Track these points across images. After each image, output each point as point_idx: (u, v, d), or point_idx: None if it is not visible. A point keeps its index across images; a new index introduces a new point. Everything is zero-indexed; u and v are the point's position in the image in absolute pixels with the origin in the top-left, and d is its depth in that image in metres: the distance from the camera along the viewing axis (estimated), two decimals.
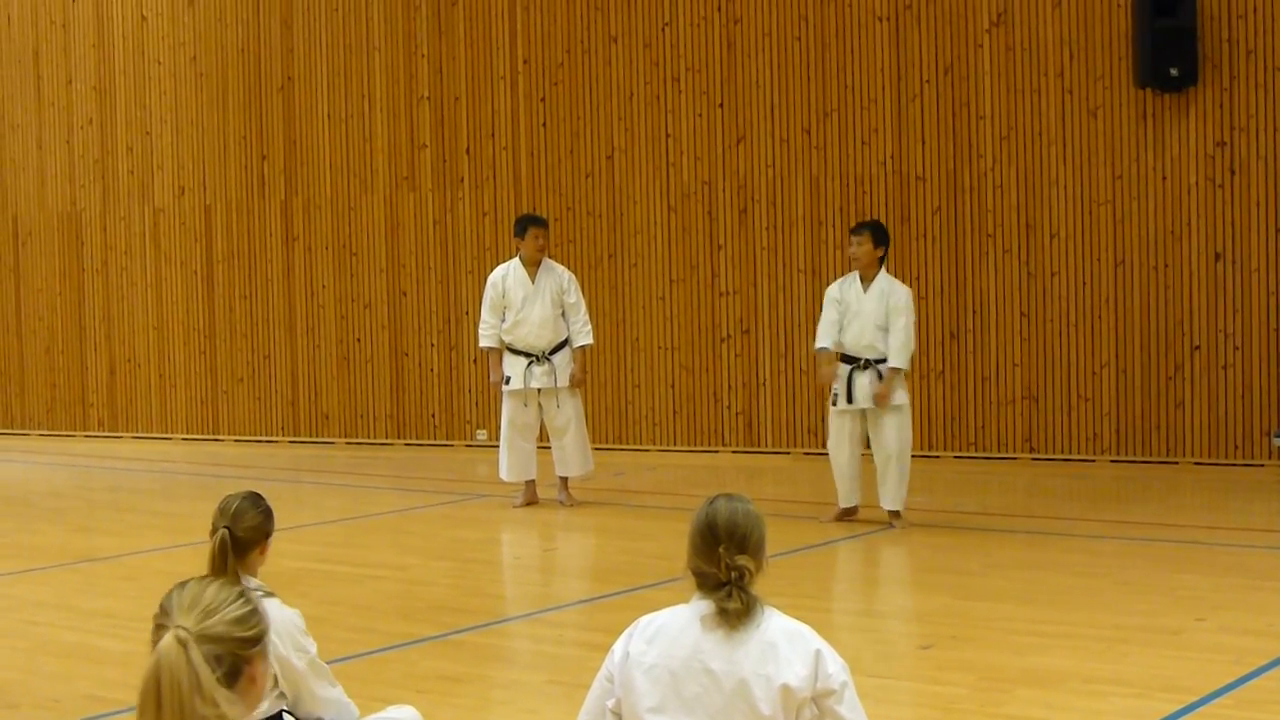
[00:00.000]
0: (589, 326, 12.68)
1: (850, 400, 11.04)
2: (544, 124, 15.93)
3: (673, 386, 15.46)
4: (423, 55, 16.51)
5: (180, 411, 18.06)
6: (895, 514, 11.10)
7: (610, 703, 4.31)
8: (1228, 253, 13.33)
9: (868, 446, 11.20)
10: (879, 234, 11.19)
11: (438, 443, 16.57)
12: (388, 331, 16.80)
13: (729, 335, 15.18)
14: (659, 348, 15.48)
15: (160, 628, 2.85)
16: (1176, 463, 13.53)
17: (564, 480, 12.68)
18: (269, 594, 5.36)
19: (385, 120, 16.71)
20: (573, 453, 12.60)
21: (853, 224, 14.27)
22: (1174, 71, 13.17)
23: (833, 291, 11.27)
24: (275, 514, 5.49)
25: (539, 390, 12.46)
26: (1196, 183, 13.41)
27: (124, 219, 18.27)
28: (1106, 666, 7.15)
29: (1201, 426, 13.47)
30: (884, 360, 11.00)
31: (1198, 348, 13.45)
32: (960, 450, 14.25)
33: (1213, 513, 11.83)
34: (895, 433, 10.99)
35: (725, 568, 4.15)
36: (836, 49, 14.66)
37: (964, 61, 14.17)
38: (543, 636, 8.54)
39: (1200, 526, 11.08)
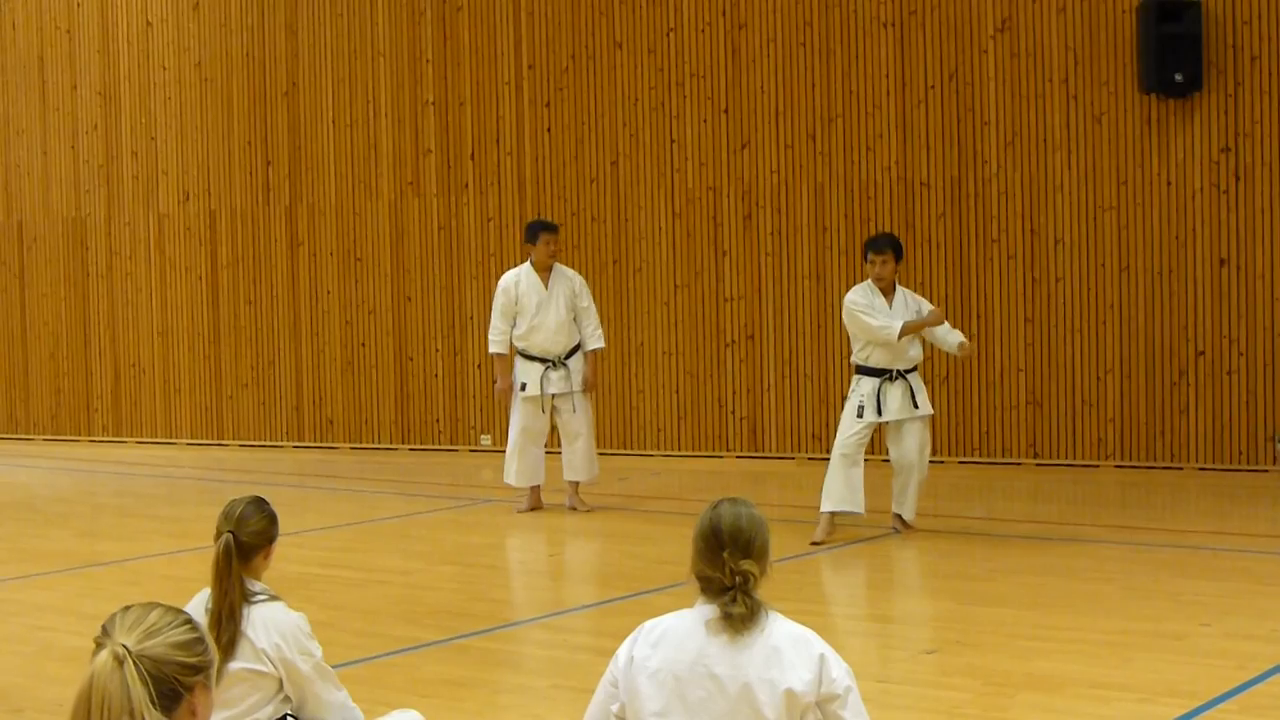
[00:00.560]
0: (600, 330, 12.67)
1: (880, 413, 10.93)
2: (548, 130, 15.94)
3: (677, 392, 15.46)
4: (427, 61, 16.52)
5: (185, 416, 18.07)
6: (900, 518, 11.09)
7: (615, 707, 4.31)
8: (1232, 258, 13.32)
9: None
10: (899, 249, 11.10)
11: (442, 448, 16.57)
12: (392, 337, 16.81)
13: (733, 341, 15.18)
14: (663, 353, 15.48)
15: (99, 646, 2.80)
16: (1181, 468, 13.52)
17: (574, 485, 12.67)
18: (274, 597, 5.36)
19: (390, 126, 16.72)
20: (582, 458, 12.59)
21: (858, 230, 14.38)
22: (1179, 77, 13.17)
23: (861, 301, 10.98)
24: (280, 519, 5.49)
25: (553, 395, 12.43)
26: (1201, 188, 13.40)
27: (129, 224, 18.29)
28: (1111, 671, 7.14)
29: (1206, 432, 13.47)
30: (914, 369, 10.96)
31: (1202, 353, 13.44)
32: (965, 455, 14.25)
33: (1217, 518, 11.82)
34: (917, 441, 10.93)
35: (729, 572, 4.15)
36: (841, 55, 14.66)
37: (968, 67, 14.18)
38: (547, 641, 8.54)
39: (1205, 532, 11.07)
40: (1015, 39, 13.99)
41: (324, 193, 17.11)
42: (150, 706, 2.72)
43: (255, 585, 5.33)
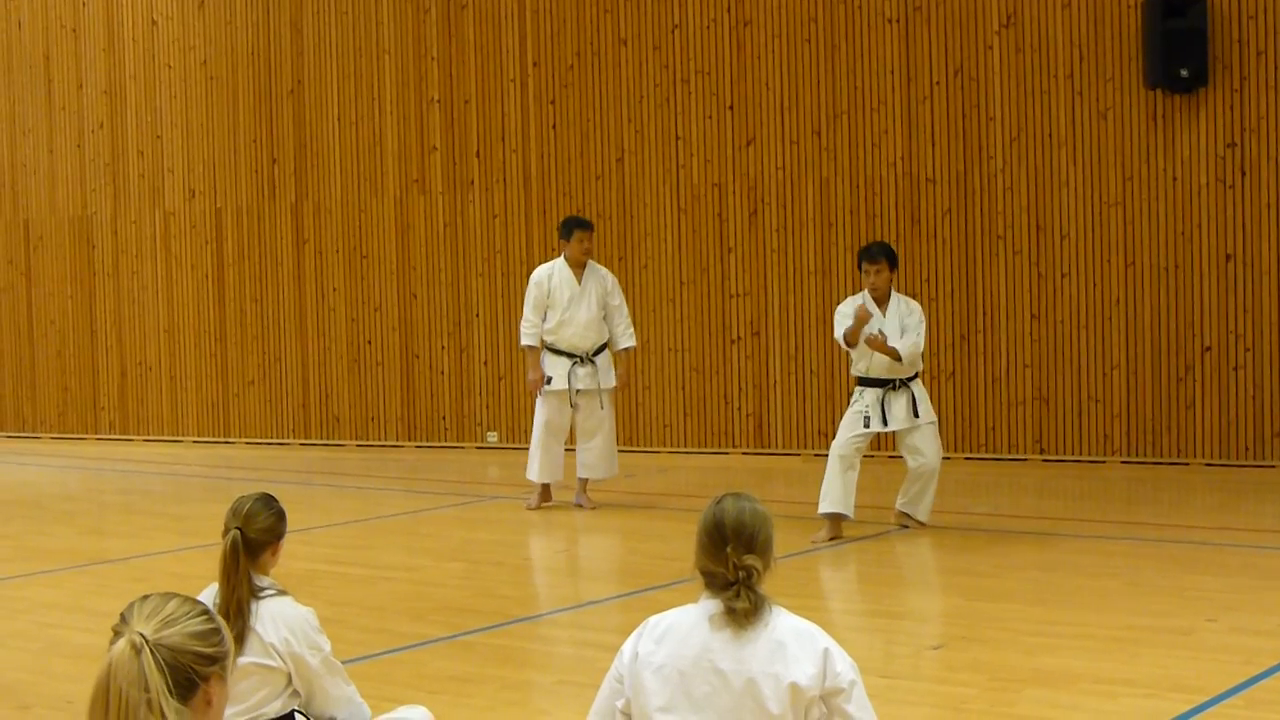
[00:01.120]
0: (632, 329, 12.69)
1: (885, 423, 10.92)
2: (554, 126, 15.94)
3: (683, 388, 15.47)
4: (432, 58, 16.53)
5: (191, 414, 18.09)
6: (906, 515, 11.09)
7: (620, 703, 4.32)
8: (1238, 254, 13.32)
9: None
10: (892, 258, 11.08)
11: (448, 445, 16.59)
12: (398, 334, 16.82)
13: (739, 337, 15.19)
14: (669, 350, 15.49)
15: (117, 634, 2.81)
16: (1187, 464, 13.52)
17: (583, 483, 12.68)
18: (282, 592, 5.37)
19: (395, 123, 16.74)
20: (601, 456, 12.59)
21: (864, 226, 14.39)
22: (1184, 72, 13.16)
23: (845, 308, 11.02)
24: (287, 516, 5.49)
25: (579, 391, 12.43)
26: (1207, 184, 13.40)
27: (135, 222, 18.31)
28: (1117, 667, 7.14)
29: (1212, 427, 13.47)
30: (913, 378, 10.95)
31: (1208, 349, 13.44)
32: (971, 451, 14.25)
33: (1223, 514, 11.82)
34: (934, 447, 10.94)
35: (733, 567, 4.15)
36: (846, 51, 14.66)
37: (974, 63, 14.18)
38: (553, 637, 8.55)
39: (1211, 527, 11.07)
40: (1020, 34, 13.99)
41: (329, 190, 17.12)
42: (167, 695, 2.73)
43: (263, 580, 5.34)
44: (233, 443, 17.78)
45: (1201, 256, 13.46)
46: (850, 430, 10.90)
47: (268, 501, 5.38)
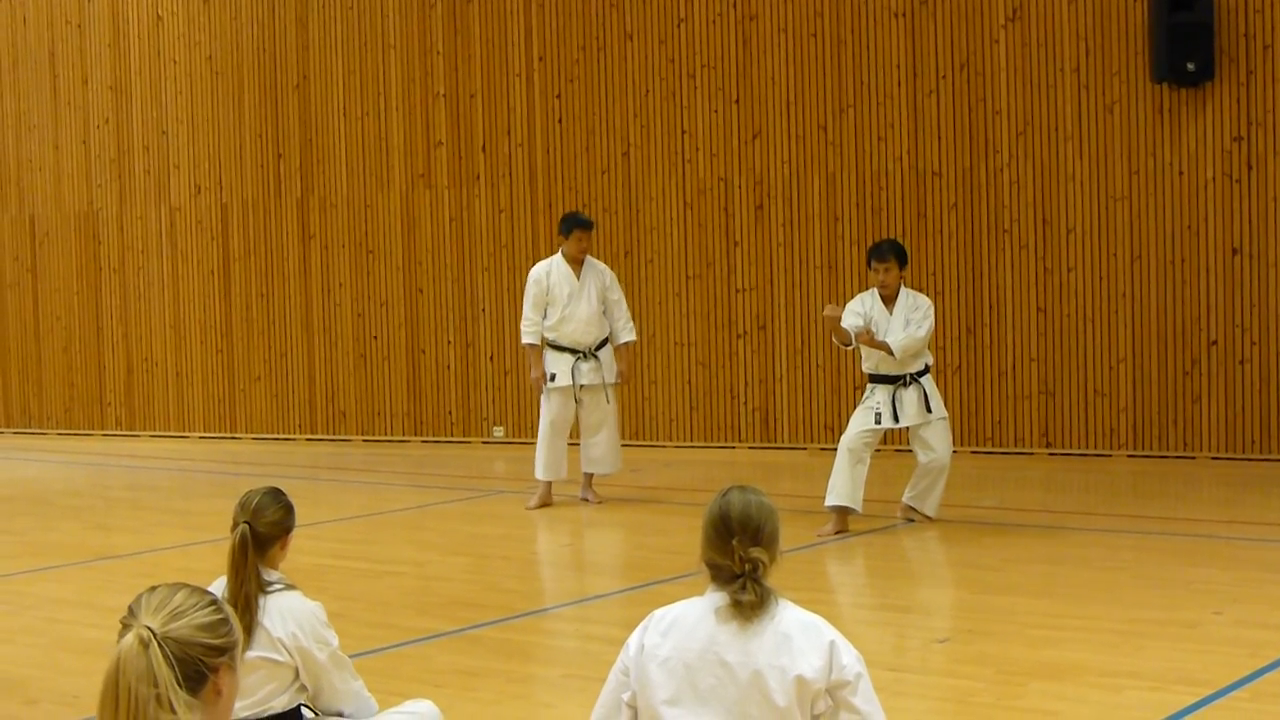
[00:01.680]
0: (631, 324, 12.68)
1: (897, 420, 10.92)
2: (559, 121, 15.94)
3: (689, 383, 15.47)
4: (438, 53, 16.53)
5: (197, 410, 18.10)
6: (913, 509, 11.09)
7: (626, 696, 4.32)
8: (1245, 247, 13.31)
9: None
10: (902, 256, 11.05)
11: (455, 440, 16.59)
12: (404, 329, 16.83)
13: (745, 331, 15.18)
14: (675, 344, 15.49)
15: (125, 627, 2.80)
16: (1194, 457, 13.51)
17: (589, 478, 12.68)
18: (290, 586, 5.37)
19: (401, 118, 16.74)
20: (606, 450, 12.59)
21: (870, 220, 14.39)
22: (1191, 66, 13.15)
23: (854, 305, 11.07)
24: (295, 509, 5.49)
25: (582, 387, 12.43)
26: (1213, 178, 13.39)
27: (141, 218, 18.32)
28: (1123, 660, 7.15)
29: (1218, 421, 13.46)
30: (924, 373, 10.94)
31: (1215, 342, 13.43)
32: (977, 445, 14.25)
33: (1230, 507, 11.82)
34: (946, 443, 10.94)
35: (739, 560, 4.15)
36: (852, 45, 14.66)
37: (980, 57, 14.17)
38: (559, 631, 8.56)
39: (1217, 521, 11.06)
40: (1026, 28, 13.97)
41: (335, 185, 17.12)
42: (176, 688, 2.73)
43: (271, 575, 5.35)
44: (239, 438, 17.79)
45: (1208, 250, 13.44)
46: (861, 425, 10.90)
47: (276, 495, 5.38)
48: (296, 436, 17.47)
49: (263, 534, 5.29)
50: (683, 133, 15.38)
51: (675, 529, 11.19)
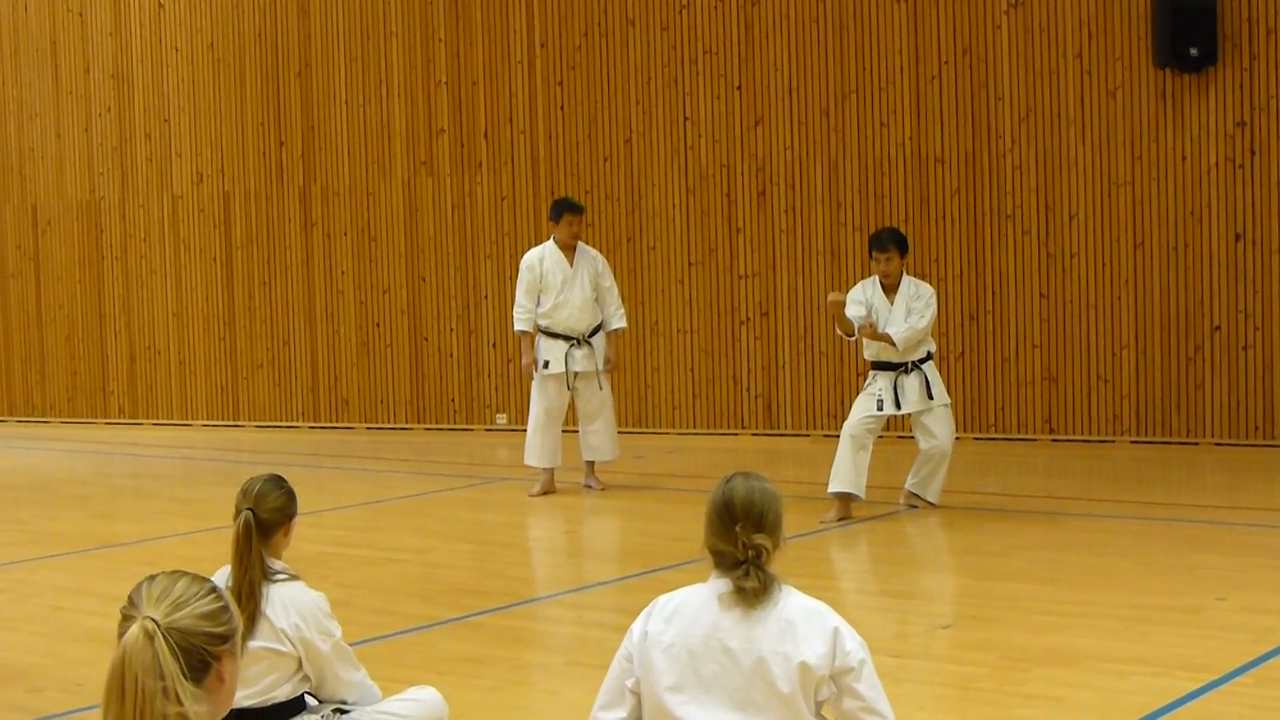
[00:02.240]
0: (622, 310, 12.67)
1: (899, 406, 10.90)
2: (562, 108, 15.93)
3: (692, 370, 15.47)
4: (440, 40, 16.52)
5: (200, 398, 18.11)
6: (916, 496, 11.09)
7: (629, 682, 4.32)
8: (1248, 233, 13.29)
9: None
10: (903, 244, 11.00)
11: (457, 427, 16.60)
12: (407, 317, 16.82)
13: (748, 318, 15.18)
14: (678, 331, 15.48)
15: (127, 619, 2.80)
16: (1197, 443, 13.51)
17: (590, 465, 12.68)
18: (294, 577, 5.37)
19: (403, 105, 16.73)
20: (605, 438, 12.59)
21: (872, 206, 14.38)
22: (1194, 51, 13.12)
23: (856, 294, 11.05)
24: (297, 496, 5.49)
25: (576, 374, 12.42)
26: (1216, 163, 13.37)
27: (143, 207, 18.31)
28: (1127, 646, 7.15)
29: (1222, 407, 13.45)
30: (926, 360, 10.93)
31: (1218, 328, 13.42)
32: (980, 431, 14.25)
33: (1233, 493, 11.81)
34: (948, 430, 10.93)
35: (742, 546, 4.15)
36: (855, 31, 14.64)
37: (982, 43, 14.15)
38: (562, 618, 8.56)
39: (1220, 506, 11.06)
40: (1029, 14, 13.95)
41: (337, 173, 17.12)
42: (183, 679, 2.73)
43: (276, 564, 5.35)
44: (242, 426, 17.80)
45: (1211, 236, 13.43)
46: (863, 411, 10.89)
47: (278, 482, 5.39)
48: (299, 424, 17.48)
49: (266, 520, 5.29)
50: (685, 119, 15.37)
51: (678, 516, 11.19)
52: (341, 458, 15.48)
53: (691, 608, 4.23)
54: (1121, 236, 13.72)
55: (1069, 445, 13.92)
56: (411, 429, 16.83)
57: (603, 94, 15.73)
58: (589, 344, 12.41)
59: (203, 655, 2.82)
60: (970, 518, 10.84)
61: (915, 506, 11.09)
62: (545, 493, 12.51)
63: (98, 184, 18.60)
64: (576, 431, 12.68)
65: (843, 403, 13.96)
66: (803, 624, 4.13)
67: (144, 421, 18.46)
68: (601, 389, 12.49)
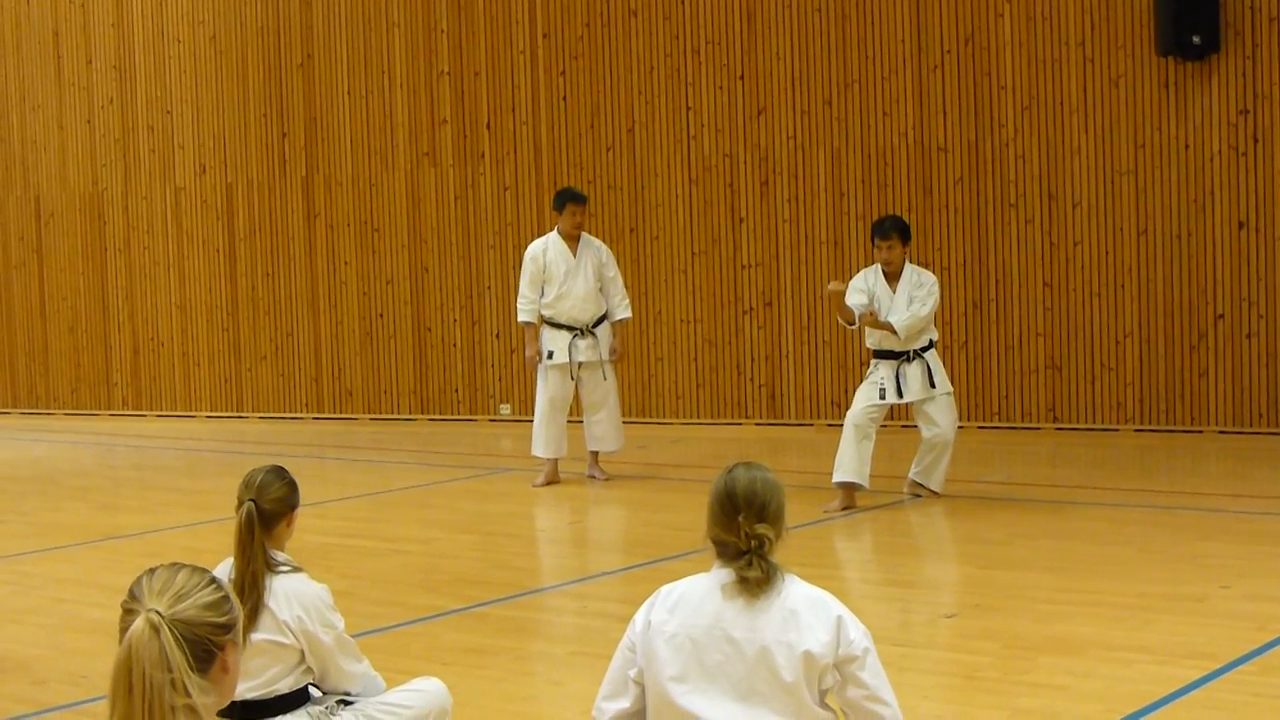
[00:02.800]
0: (627, 300, 12.66)
1: (901, 395, 10.88)
2: (564, 98, 15.92)
3: (695, 360, 15.46)
4: (442, 31, 16.50)
5: (204, 389, 18.11)
6: (920, 485, 11.10)
7: (633, 672, 4.31)
8: (1251, 221, 13.28)
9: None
10: (905, 232, 10.97)
11: (461, 418, 16.60)
12: (410, 307, 16.82)
13: (751, 308, 15.17)
14: (681, 321, 15.48)
15: (130, 613, 2.80)
16: (1201, 431, 13.50)
17: (595, 455, 12.68)
18: (297, 568, 5.36)
19: (405, 96, 16.72)
20: (609, 428, 12.59)
21: (875, 196, 14.37)
22: (1196, 39, 13.10)
23: (858, 282, 11.05)
24: (299, 487, 5.49)
25: (580, 364, 12.42)
26: (1219, 151, 13.35)
27: (146, 198, 18.31)
28: (1131, 634, 7.15)
29: (1225, 395, 13.44)
30: (928, 348, 10.90)
31: (1221, 316, 13.41)
32: (984, 420, 14.24)
33: (1237, 481, 11.80)
34: (950, 418, 10.92)
35: (745, 536, 4.14)
36: (857, 20, 14.62)
37: (985, 31, 14.13)
38: (567, 608, 8.56)
39: (1224, 495, 11.06)
40: (1031, 2, 13.92)
41: (340, 164, 17.11)
42: (189, 671, 2.74)
43: (279, 556, 5.34)
44: (245, 417, 17.80)
45: (1214, 224, 13.41)
46: (866, 400, 10.88)
47: (279, 473, 5.38)
48: (303, 415, 17.48)
49: (268, 511, 5.28)
50: (687, 109, 15.36)
51: (682, 506, 11.19)
52: (345, 449, 15.48)
53: (695, 597, 4.23)
54: (1125, 225, 13.71)
55: (1073, 434, 13.91)
56: (415, 420, 16.84)
57: (605, 84, 15.72)
58: (593, 334, 12.41)
59: (207, 646, 2.83)
60: (974, 506, 10.84)
61: (919, 496, 11.10)
62: (549, 483, 12.52)
63: (100, 175, 18.60)
64: (581, 422, 12.69)
65: (846, 392, 13.95)
66: (806, 613, 4.13)
67: (147, 413, 18.47)
68: (606, 379, 12.49)
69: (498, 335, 16.29)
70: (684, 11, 15.33)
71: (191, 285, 18.10)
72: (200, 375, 18.13)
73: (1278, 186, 13.17)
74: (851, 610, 4.21)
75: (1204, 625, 7.27)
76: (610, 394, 12.53)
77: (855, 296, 10.84)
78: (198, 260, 18.04)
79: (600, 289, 12.46)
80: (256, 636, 5.16)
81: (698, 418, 15.48)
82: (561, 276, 12.35)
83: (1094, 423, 13.89)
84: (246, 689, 5.14)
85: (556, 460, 12.59)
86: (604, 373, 12.47)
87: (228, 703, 2.94)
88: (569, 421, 12.65)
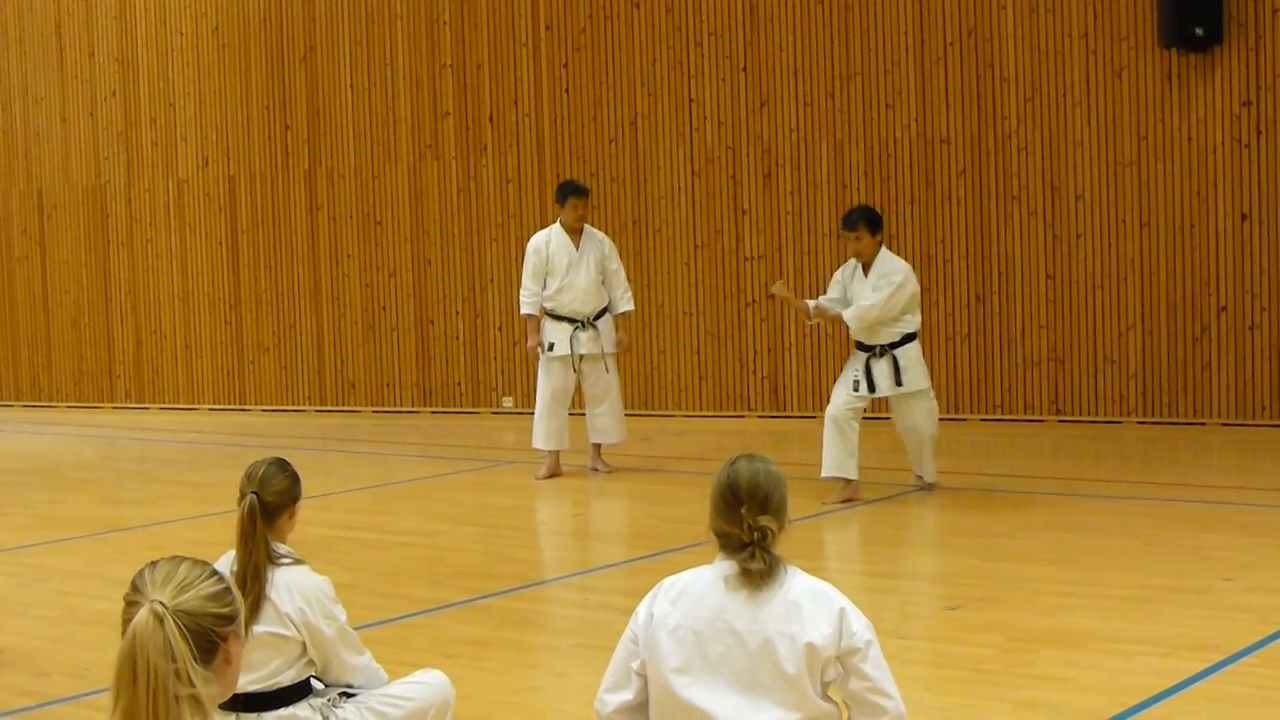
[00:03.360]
0: (629, 293, 12.66)
1: (872, 389, 10.84)
2: (567, 90, 15.91)
3: (698, 352, 15.46)
4: (444, 23, 16.49)
5: (207, 382, 18.12)
6: (921, 478, 11.10)
7: (635, 664, 4.31)
8: (1254, 213, 13.26)
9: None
10: (874, 222, 10.84)
11: (464, 410, 16.60)
12: (413, 300, 16.82)
13: (754, 300, 15.16)
14: (684, 313, 15.48)
15: (132, 604, 2.81)
16: (1203, 423, 13.49)
17: (597, 448, 12.68)
18: (299, 561, 5.36)
19: (408, 89, 16.71)
20: (611, 420, 12.59)
21: (879, 188, 14.36)
22: (1199, 31, 13.08)
23: (837, 275, 11.08)
24: (302, 481, 5.49)
25: (582, 356, 12.41)
26: (1222, 143, 13.34)
27: (148, 191, 18.31)
28: (1134, 626, 7.15)
29: (1228, 387, 13.43)
30: (898, 344, 10.83)
31: (1224, 308, 13.40)
32: (987, 413, 14.24)
33: (1240, 473, 11.80)
34: (926, 417, 10.85)
35: (747, 528, 4.14)
36: (860, 11, 14.60)
37: (987, 23, 14.11)
38: (570, 601, 8.57)
39: (1227, 487, 11.05)
40: None
41: (343, 156, 17.11)
42: (193, 662, 2.75)
43: (281, 548, 5.34)
44: (248, 410, 17.81)
45: (1217, 216, 13.40)
46: (842, 393, 10.85)
47: (281, 465, 5.38)
48: (306, 408, 17.49)
49: (270, 503, 5.28)
50: (690, 101, 15.35)
51: (684, 498, 11.20)
52: (348, 441, 15.49)
53: (697, 589, 4.23)
54: (1127, 217, 13.70)
55: (1076, 426, 13.90)
56: (418, 412, 16.84)
57: (608, 76, 15.71)
58: (594, 327, 12.40)
59: (210, 636, 2.84)
60: (977, 499, 10.84)
61: (924, 488, 11.09)
62: (552, 475, 12.52)
63: (103, 168, 18.60)
64: (583, 414, 12.69)
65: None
66: (809, 605, 4.13)
67: (150, 405, 18.48)
68: (608, 371, 12.48)
69: (500, 328, 16.29)
70: (686, 3, 15.31)
71: (194, 278, 18.10)
72: (203, 368, 18.13)
73: None
74: (854, 603, 4.20)
75: (1207, 618, 7.27)
76: (612, 386, 12.53)
77: (833, 289, 10.92)
78: (200, 253, 18.04)
79: (602, 282, 12.46)
80: (258, 629, 5.16)
81: (700, 410, 15.48)
82: (564, 269, 12.35)
83: (1097, 415, 13.89)
84: (248, 681, 5.14)
85: (558, 453, 12.59)
86: (606, 365, 12.47)
87: (229, 695, 2.95)
88: (571, 414, 12.65)
